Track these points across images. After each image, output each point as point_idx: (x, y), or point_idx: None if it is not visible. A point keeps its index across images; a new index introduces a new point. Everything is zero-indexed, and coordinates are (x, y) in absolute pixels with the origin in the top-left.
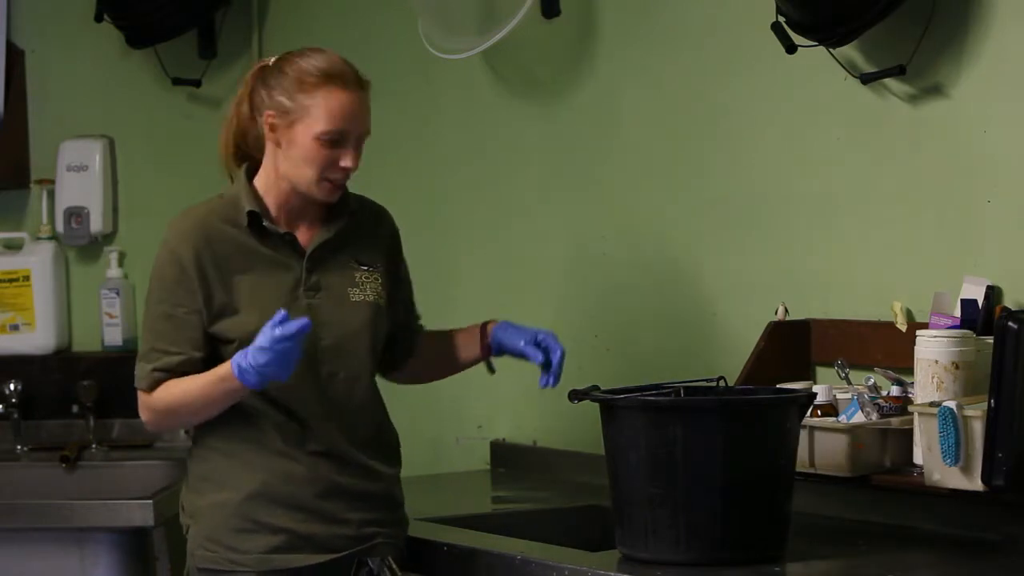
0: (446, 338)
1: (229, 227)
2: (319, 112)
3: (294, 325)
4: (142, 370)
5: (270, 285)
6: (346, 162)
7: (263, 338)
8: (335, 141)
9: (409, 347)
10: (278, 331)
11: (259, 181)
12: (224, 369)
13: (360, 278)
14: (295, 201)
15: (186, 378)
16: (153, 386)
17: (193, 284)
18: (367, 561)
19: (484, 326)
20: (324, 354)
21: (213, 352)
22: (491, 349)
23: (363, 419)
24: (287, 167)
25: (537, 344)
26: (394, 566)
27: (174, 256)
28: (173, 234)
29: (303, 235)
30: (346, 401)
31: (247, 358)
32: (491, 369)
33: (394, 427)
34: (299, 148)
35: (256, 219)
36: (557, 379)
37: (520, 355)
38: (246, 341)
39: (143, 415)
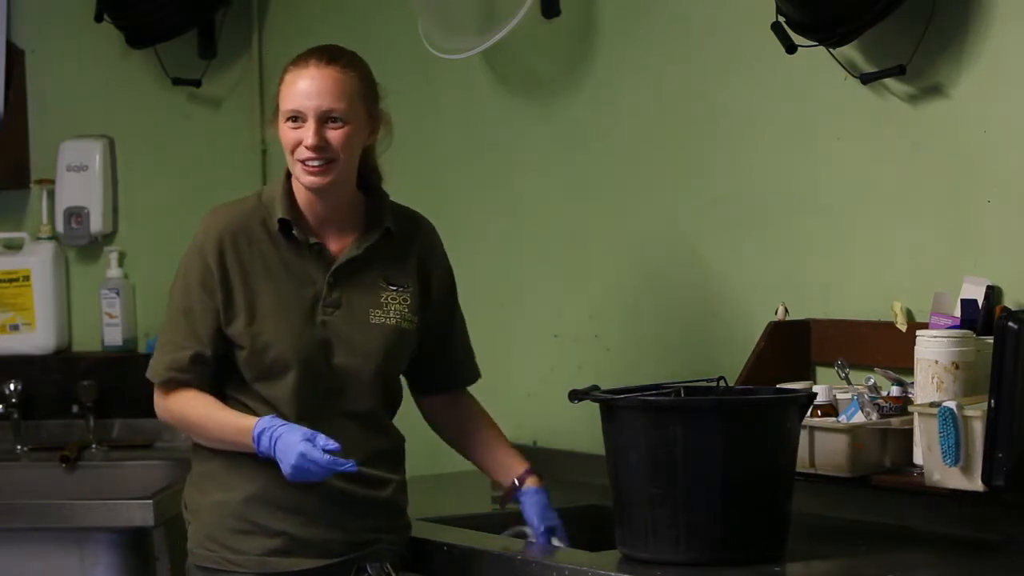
0: (488, 435)
1: (260, 229)
2: (283, 96)
3: (342, 465)
4: (157, 363)
5: (290, 298)
6: (306, 140)
7: (309, 450)
8: (295, 120)
9: (428, 382)
10: (325, 459)
11: (294, 183)
12: (247, 424)
13: (386, 299)
14: (316, 202)
15: (212, 404)
16: (169, 386)
17: (214, 282)
18: (366, 567)
19: (524, 476)
20: (334, 371)
21: (227, 353)
22: (513, 496)
23: (369, 432)
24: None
25: (549, 532)
26: (392, 573)
27: (201, 253)
28: (203, 230)
29: (333, 244)
30: (351, 416)
31: (272, 439)
32: (503, 507)
33: (401, 435)
34: (280, 135)
35: (287, 227)
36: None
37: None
38: (257, 352)
39: (156, 409)
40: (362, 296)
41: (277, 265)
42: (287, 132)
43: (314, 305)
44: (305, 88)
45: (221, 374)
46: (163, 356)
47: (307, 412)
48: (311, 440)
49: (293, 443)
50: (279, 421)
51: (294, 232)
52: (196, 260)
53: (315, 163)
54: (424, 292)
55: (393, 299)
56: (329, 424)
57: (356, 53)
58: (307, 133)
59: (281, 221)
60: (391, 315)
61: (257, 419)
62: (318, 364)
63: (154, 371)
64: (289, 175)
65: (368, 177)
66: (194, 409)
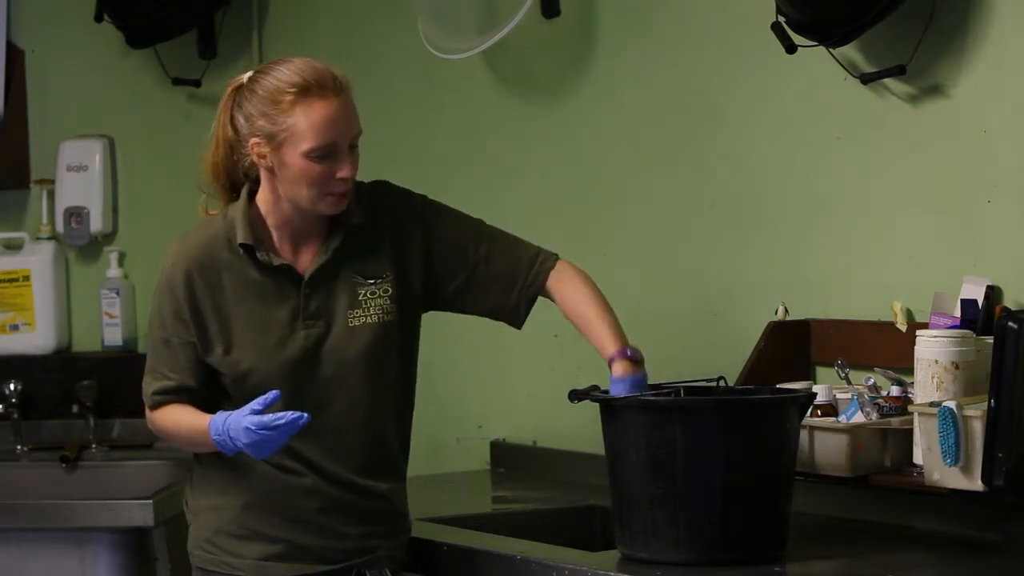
0: (583, 316)
1: (226, 253)
2: (303, 130)
3: (285, 417)
4: (147, 386)
5: (266, 319)
6: (343, 172)
7: (250, 418)
8: (327, 155)
9: (515, 313)
10: (267, 418)
11: (261, 201)
12: (204, 422)
13: (364, 296)
14: (299, 221)
15: (182, 411)
16: (155, 407)
17: (186, 315)
18: (365, 573)
19: (610, 362)
20: (323, 383)
21: (212, 378)
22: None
23: (366, 440)
24: (285, 190)
25: None
26: None
27: (170, 286)
28: (170, 262)
29: (307, 255)
30: (346, 425)
31: (226, 426)
32: None
33: (398, 440)
34: (292, 169)
35: (250, 251)
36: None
37: None
38: (239, 378)
39: (148, 424)
40: (340, 300)
41: (248, 288)
42: (313, 167)
43: (293, 321)
44: (333, 119)
45: (217, 392)
46: (152, 383)
47: (304, 429)
48: (256, 411)
49: (239, 422)
50: (226, 413)
51: (258, 256)
52: (166, 293)
53: (347, 191)
54: (416, 260)
55: (372, 294)
56: (325, 439)
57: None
58: (343, 165)
59: (243, 247)
60: (371, 312)
61: (210, 419)
62: (303, 380)
63: (145, 394)
64: (251, 199)
65: None
66: (169, 418)
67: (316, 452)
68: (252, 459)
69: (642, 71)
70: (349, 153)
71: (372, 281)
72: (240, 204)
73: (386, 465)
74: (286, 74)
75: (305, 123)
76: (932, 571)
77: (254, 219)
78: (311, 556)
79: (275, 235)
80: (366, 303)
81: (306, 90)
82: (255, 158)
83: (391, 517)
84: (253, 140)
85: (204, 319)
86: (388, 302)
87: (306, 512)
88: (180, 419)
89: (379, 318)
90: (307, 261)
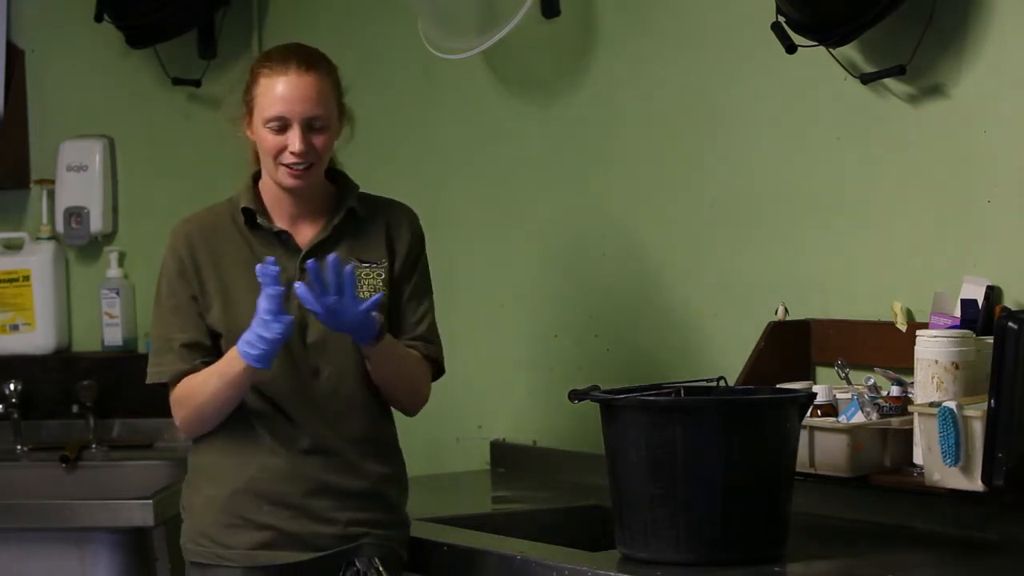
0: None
1: (230, 226)
2: (263, 100)
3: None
4: (159, 364)
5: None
6: (293, 146)
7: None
8: (280, 127)
9: None
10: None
11: (262, 181)
12: (232, 351)
13: (360, 275)
14: (285, 197)
15: (201, 371)
16: (176, 379)
17: (189, 273)
18: (354, 561)
19: None
20: (309, 350)
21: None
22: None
23: (352, 416)
24: (261, 161)
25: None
26: (380, 568)
27: (173, 251)
28: (173, 234)
29: (304, 233)
30: (332, 397)
31: (252, 333)
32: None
33: (392, 428)
34: (258, 140)
35: (251, 216)
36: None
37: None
38: (235, 335)
39: (175, 416)
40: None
41: (248, 256)
42: (268, 137)
43: (289, 289)
44: (288, 94)
45: None
46: (162, 356)
47: (291, 392)
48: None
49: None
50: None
51: (259, 221)
52: (171, 258)
53: (300, 167)
54: (398, 261)
55: (367, 274)
56: (313, 404)
57: (324, 53)
58: (293, 139)
59: (245, 210)
60: (365, 289)
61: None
62: (296, 345)
63: (158, 373)
64: (256, 177)
65: (332, 166)
66: (193, 381)
67: (309, 418)
68: (243, 444)
69: (642, 71)
70: (305, 130)
71: (367, 264)
72: (245, 181)
73: (379, 444)
74: (268, 51)
75: (265, 94)
76: (932, 571)
77: (256, 195)
78: (300, 544)
79: (271, 211)
80: (361, 281)
81: (271, 64)
82: (248, 133)
83: (380, 503)
84: (243, 115)
85: (203, 276)
86: (381, 284)
87: (292, 497)
88: (204, 375)
89: (371, 295)
90: (306, 237)
